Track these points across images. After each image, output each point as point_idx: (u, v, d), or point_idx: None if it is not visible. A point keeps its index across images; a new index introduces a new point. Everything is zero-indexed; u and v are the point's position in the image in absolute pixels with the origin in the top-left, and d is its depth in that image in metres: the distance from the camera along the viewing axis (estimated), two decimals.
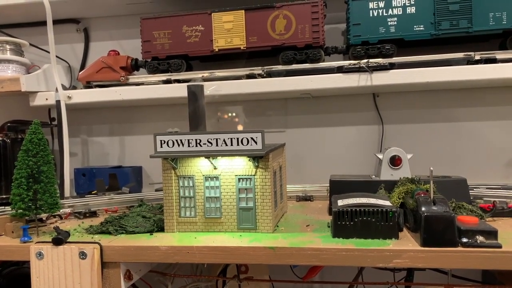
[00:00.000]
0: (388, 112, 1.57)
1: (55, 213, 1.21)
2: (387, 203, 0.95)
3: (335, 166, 1.59)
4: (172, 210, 1.04)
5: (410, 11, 1.33)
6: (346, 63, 1.37)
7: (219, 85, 1.43)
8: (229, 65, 1.50)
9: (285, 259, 0.88)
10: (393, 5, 1.34)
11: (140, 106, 1.74)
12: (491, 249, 0.81)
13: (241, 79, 1.45)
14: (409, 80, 1.33)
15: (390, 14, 1.34)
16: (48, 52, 1.55)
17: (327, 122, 1.62)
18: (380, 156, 1.24)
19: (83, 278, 0.93)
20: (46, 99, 1.55)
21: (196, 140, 1.01)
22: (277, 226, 1.06)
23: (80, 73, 1.59)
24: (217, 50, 1.44)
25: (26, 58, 1.64)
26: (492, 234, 0.83)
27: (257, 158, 0.99)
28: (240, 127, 1.68)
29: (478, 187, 1.24)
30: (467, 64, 1.31)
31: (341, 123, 1.61)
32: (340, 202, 0.97)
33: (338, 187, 1.20)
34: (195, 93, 1.10)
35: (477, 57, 1.31)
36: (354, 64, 1.35)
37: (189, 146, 1.01)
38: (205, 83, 1.21)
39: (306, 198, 1.40)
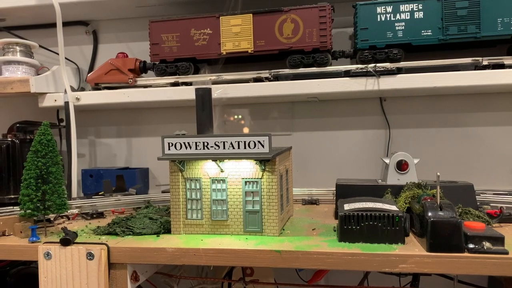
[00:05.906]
0: (395, 116, 1.57)
1: (63, 214, 1.23)
2: (393, 208, 0.95)
3: (342, 170, 1.59)
4: (179, 212, 1.05)
5: (418, 16, 1.33)
6: (353, 67, 1.37)
7: (226, 88, 1.44)
8: (237, 69, 1.51)
9: (291, 263, 0.88)
10: (401, 10, 1.34)
11: (147, 108, 1.75)
12: (498, 255, 0.81)
13: (249, 82, 1.45)
14: (417, 85, 1.33)
15: (398, 19, 1.34)
16: (57, 54, 1.57)
17: (333, 126, 1.62)
18: (387, 161, 1.24)
19: (90, 279, 0.94)
20: (55, 100, 1.57)
21: (203, 142, 1.01)
22: (283, 230, 1.06)
23: (88, 75, 1.60)
24: (224, 53, 1.45)
25: (36, 60, 1.66)
26: (498, 240, 0.83)
27: (264, 162, 0.99)
28: (246, 130, 1.68)
29: (485, 193, 1.23)
30: (475, 69, 1.31)
31: (347, 127, 1.61)
32: (347, 206, 0.98)
33: (344, 191, 1.20)
34: (203, 96, 1.11)
35: (485, 63, 1.31)
36: (361, 69, 1.35)
37: (196, 148, 1.02)
38: (213, 86, 1.21)
39: (312, 201, 1.40)
